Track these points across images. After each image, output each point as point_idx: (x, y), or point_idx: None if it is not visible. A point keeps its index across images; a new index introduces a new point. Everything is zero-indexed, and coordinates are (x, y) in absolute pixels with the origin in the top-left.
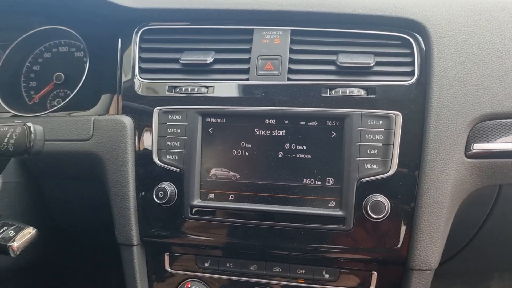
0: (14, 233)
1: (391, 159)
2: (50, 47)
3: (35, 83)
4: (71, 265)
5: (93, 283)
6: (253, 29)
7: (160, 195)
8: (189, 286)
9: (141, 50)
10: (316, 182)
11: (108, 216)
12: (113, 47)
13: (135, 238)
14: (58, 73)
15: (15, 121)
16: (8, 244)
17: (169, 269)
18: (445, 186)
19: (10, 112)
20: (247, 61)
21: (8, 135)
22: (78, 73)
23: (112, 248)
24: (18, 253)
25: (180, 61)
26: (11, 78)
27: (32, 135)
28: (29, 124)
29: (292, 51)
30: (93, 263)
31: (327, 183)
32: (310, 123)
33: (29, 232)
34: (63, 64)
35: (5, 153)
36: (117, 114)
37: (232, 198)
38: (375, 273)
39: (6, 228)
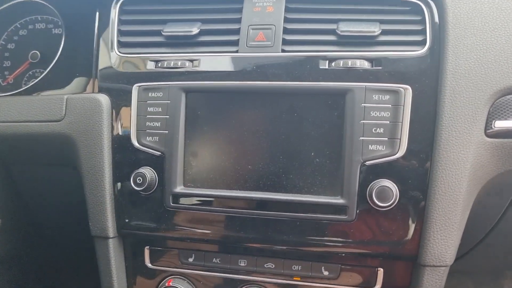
0: None
1: (400, 139)
2: (26, 23)
3: (9, 62)
4: (51, 259)
5: (77, 278)
6: None
7: (138, 181)
8: (171, 283)
9: (121, 22)
10: (314, 166)
11: (84, 205)
12: (91, 21)
13: (111, 230)
14: (33, 51)
15: None
16: None
17: (149, 265)
18: (462, 170)
19: None
20: (237, 31)
21: None
22: (56, 51)
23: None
24: None
25: (163, 33)
26: None
27: None
28: None
29: (286, 20)
30: (75, 256)
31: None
32: (308, 100)
33: None
34: (39, 41)
35: None
36: (93, 92)
37: (220, 185)
38: (381, 269)
39: None
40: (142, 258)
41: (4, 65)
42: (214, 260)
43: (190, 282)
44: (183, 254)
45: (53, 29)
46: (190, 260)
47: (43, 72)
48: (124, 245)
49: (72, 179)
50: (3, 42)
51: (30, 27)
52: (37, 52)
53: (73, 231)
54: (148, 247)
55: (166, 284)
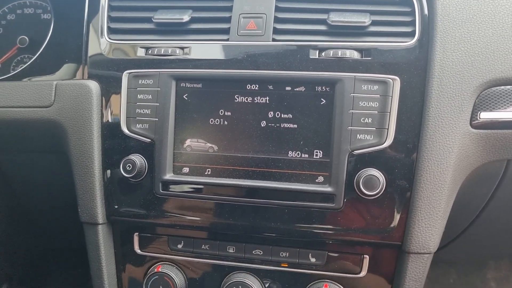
0: None
1: (387, 129)
2: (14, 8)
3: None
4: (39, 246)
5: (66, 264)
6: None
7: (128, 168)
8: (160, 269)
9: (111, 8)
10: (303, 155)
11: (73, 192)
12: (80, 7)
13: (100, 216)
14: (22, 37)
15: None
16: None
17: (138, 251)
18: (447, 159)
19: None
20: (228, 20)
21: None
22: (45, 36)
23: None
24: None
25: (153, 20)
26: None
27: None
28: None
29: (278, 9)
30: (64, 243)
31: (314, 156)
32: (297, 89)
33: None
34: (28, 27)
35: None
36: (83, 79)
37: (209, 173)
38: (367, 257)
39: None
40: (131, 245)
41: None
42: (203, 246)
43: (179, 268)
44: (172, 241)
45: (41, 14)
46: (179, 246)
47: (31, 57)
48: (113, 231)
49: (60, 166)
50: None
51: (18, 11)
52: (26, 37)
53: (62, 217)
54: (137, 233)
55: (155, 270)
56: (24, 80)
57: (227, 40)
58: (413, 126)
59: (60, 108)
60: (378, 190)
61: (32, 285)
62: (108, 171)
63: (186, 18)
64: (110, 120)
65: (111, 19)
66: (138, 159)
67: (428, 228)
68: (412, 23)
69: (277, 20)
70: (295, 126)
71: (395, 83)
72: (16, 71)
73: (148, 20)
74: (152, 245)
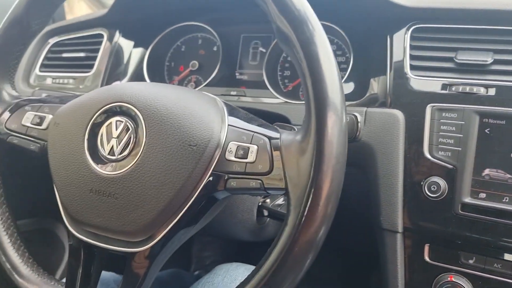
0: None
1: None
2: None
3: (289, 72)
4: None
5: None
6: None
7: (432, 189)
8: (452, 279)
9: (412, 48)
10: None
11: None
12: (379, 44)
13: (400, 225)
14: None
15: None
16: None
17: (428, 260)
18: None
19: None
20: None
21: None
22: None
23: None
24: None
25: (455, 60)
26: (273, 68)
27: (359, 123)
28: (356, 113)
29: None
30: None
31: None
32: None
33: None
34: None
35: None
36: (388, 108)
37: (507, 200)
38: None
39: None
40: (421, 253)
41: (285, 75)
42: (495, 265)
43: (469, 280)
44: (463, 256)
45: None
46: (470, 261)
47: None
48: (405, 239)
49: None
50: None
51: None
52: None
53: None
54: (428, 244)
55: (448, 278)
56: None
57: None
58: None
59: (370, 131)
60: None
61: None
62: (410, 189)
63: (489, 60)
64: (413, 146)
65: (412, 57)
66: (441, 181)
67: None
68: None
69: None
70: None
71: None
72: None
73: (450, 59)
74: (441, 256)
